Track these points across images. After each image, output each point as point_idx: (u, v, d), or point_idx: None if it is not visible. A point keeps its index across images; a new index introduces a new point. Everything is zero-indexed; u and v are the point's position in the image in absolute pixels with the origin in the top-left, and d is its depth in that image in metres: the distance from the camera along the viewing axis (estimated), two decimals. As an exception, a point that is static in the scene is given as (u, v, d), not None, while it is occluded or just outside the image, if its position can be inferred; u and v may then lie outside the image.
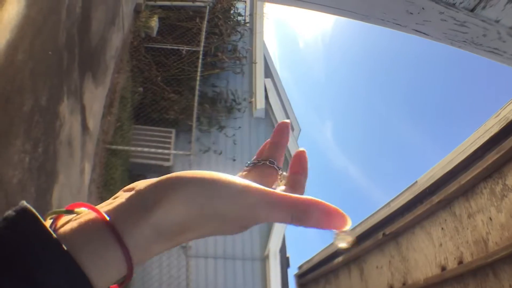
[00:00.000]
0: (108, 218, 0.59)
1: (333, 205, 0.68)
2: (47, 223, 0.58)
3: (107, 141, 8.80)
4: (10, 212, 0.54)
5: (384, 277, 6.81)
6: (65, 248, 0.54)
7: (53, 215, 0.61)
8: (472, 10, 2.23)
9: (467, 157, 5.08)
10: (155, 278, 10.44)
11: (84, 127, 7.13)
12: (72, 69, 6.41)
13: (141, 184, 0.66)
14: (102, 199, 8.13)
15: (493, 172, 4.62)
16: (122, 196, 0.65)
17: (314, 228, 0.67)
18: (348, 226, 0.68)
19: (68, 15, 6.08)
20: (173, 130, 11.42)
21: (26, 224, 0.54)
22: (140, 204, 0.61)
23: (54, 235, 0.54)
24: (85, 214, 0.61)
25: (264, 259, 11.71)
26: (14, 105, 4.58)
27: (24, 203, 0.56)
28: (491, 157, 4.51)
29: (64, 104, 6.08)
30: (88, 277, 0.54)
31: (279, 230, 11.75)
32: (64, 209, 0.62)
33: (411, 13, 2.26)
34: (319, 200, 0.68)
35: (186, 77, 11.95)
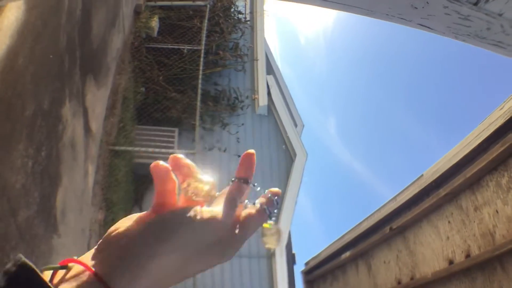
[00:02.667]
0: (103, 279, 0.63)
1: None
2: (45, 277, 0.60)
3: (110, 142, 8.80)
4: (9, 267, 0.57)
5: (392, 272, 6.80)
6: None
7: (49, 270, 0.65)
8: (475, 4, 2.22)
9: (472, 150, 5.07)
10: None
11: (87, 129, 7.13)
12: (74, 72, 6.40)
13: (125, 233, 0.72)
14: (107, 201, 8.14)
15: (499, 164, 4.61)
16: (109, 247, 0.70)
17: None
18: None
19: (68, 19, 6.07)
20: (176, 129, 11.41)
21: (28, 282, 0.57)
22: (131, 262, 0.67)
23: None
24: (80, 272, 0.64)
25: (270, 256, 11.71)
26: (16, 109, 4.57)
27: (21, 257, 0.58)
28: (496, 150, 4.50)
29: (66, 107, 6.07)
30: None
31: (284, 226, 11.74)
32: (58, 265, 0.66)
33: (416, 8, 2.25)
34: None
35: (188, 76, 11.94)
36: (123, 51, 10.18)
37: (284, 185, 12.52)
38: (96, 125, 7.73)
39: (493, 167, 4.69)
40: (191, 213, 0.74)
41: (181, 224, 0.72)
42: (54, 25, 5.67)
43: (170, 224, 0.72)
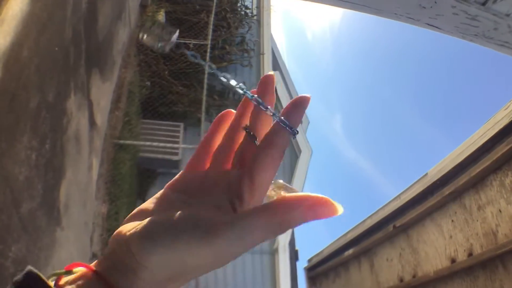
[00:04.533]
0: (102, 276, 0.61)
1: (311, 196, 0.60)
2: (51, 284, 0.60)
3: (115, 136, 8.81)
4: (18, 277, 0.57)
5: (395, 270, 6.81)
6: None
7: (54, 277, 0.62)
8: (483, 4, 2.21)
9: (477, 149, 5.08)
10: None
11: (92, 122, 7.13)
12: (79, 65, 6.41)
13: (120, 239, 0.64)
14: (110, 194, 8.16)
15: (503, 164, 4.61)
16: (110, 254, 0.65)
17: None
18: (339, 212, 0.60)
19: (74, 11, 6.07)
20: (181, 124, 11.41)
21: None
22: (125, 267, 0.61)
23: None
24: (83, 274, 0.62)
25: (273, 252, 11.71)
26: (20, 102, 4.57)
27: (30, 267, 0.58)
28: (501, 149, 4.51)
29: (71, 100, 6.08)
30: None
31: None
32: (63, 270, 0.63)
33: (424, 7, 2.25)
34: (287, 202, 0.60)
35: (194, 70, 11.95)
36: (129, 45, 10.18)
37: (288, 181, 12.52)
38: (101, 118, 7.74)
39: (497, 167, 4.69)
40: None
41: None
42: (59, 17, 5.67)
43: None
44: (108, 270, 0.61)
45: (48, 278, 0.60)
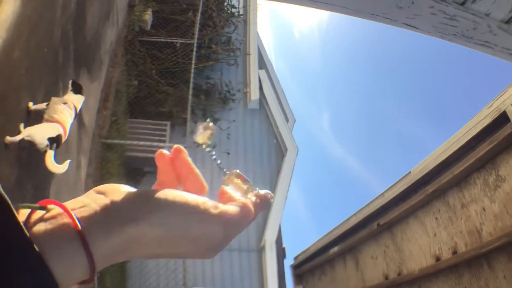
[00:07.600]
0: (80, 227, 0.59)
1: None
2: (20, 216, 0.57)
3: (102, 135, 8.82)
4: None
5: (380, 268, 6.84)
6: (37, 249, 0.54)
7: (25, 209, 0.61)
8: (462, 4, 2.26)
9: (460, 148, 5.10)
10: (152, 272, 10.47)
11: (80, 122, 7.15)
12: (68, 65, 6.43)
13: (115, 192, 0.69)
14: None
15: (486, 162, 4.64)
16: (94, 201, 0.66)
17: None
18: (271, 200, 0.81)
19: (63, 12, 6.10)
20: (168, 123, 11.41)
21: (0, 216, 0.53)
22: (114, 218, 0.63)
23: (27, 234, 0.54)
24: (58, 215, 0.60)
25: (260, 250, 11.74)
26: (11, 102, 4.60)
27: None
28: (484, 148, 4.53)
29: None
30: (57, 282, 0.55)
31: (274, 221, 11.78)
32: (37, 205, 0.61)
33: (401, 7, 2.30)
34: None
35: (181, 69, 11.96)
36: (116, 45, 10.19)
37: (275, 179, 12.56)
38: (88, 118, 7.76)
39: (481, 165, 4.72)
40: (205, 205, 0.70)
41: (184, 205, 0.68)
42: (49, 19, 5.70)
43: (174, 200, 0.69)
44: (89, 225, 0.61)
45: (18, 209, 0.59)
